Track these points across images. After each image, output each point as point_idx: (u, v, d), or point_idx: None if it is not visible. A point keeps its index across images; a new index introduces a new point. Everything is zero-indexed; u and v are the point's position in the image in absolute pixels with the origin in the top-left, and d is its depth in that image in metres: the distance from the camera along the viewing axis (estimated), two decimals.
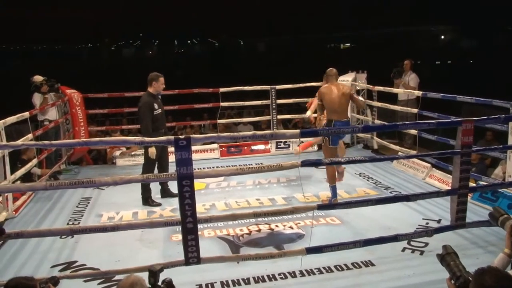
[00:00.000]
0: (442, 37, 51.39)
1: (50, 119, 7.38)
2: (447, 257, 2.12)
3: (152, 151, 5.68)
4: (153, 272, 2.37)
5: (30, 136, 6.05)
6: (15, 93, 9.37)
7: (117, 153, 8.30)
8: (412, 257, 4.28)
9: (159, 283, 2.38)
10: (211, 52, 65.88)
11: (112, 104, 11.41)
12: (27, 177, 6.44)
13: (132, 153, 8.26)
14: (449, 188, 5.77)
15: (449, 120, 4.26)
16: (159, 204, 5.90)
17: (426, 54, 33.73)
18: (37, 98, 7.33)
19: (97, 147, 8.37)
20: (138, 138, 3.44)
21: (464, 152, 3.96)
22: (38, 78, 7.43)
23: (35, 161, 6.26)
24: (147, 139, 3.50)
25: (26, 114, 6.08)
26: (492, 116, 4.34)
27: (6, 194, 5.34)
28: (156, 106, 5.84)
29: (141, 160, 8.12)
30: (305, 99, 8.02)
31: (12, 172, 5.60)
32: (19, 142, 3.61)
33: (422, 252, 4.35)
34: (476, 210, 5.11)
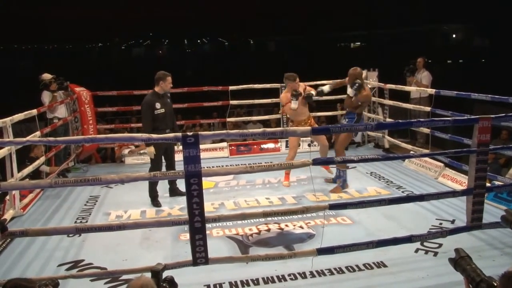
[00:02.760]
0: (454, 36, 50.90)
1: (59, 117, 7.36)
2: (462, 261, 1.99)
3: (150, 150, 5.54)
4: (156, 272, 2.30)
5: (38, 133, 6.01)
6: (27, 92, 9.37)
7: (126, 151, 8.26)
8: (426, 259, 4.17)
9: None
10: (221, 51, 65.94)
11: (122, 102, 11.41)
12: (36, 175, 6.42)
13: (141, 151, 8.21)
14: (463, 188, 5.68)
15: (466, 118, 4.15)
16: (160, 206, 5.81)
17: (437, 53, 33.39)
18: (46, 96, 7.31)
19: (105, 145, 8.33)
20: (145, 135, 3.37)
21: (480, 150, 3.84)
22: (46, 76, 7.41)
23: (43, 159, 6.23)
24: (154, 136, 3.43)
25: (34, 112, 6.04)
26: (511, 113, 4.20)
27: (13, 192, 5.30)
28: (158, 105, 5.67)
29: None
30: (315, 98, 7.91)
31: (21, 170, 5.58)
32: (24, 139, 3.54)
33: (435, 253, 4.24)
34: (491, 211, 4.96)
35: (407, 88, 8.06)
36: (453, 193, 4.24)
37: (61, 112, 7.48)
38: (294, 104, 6.16)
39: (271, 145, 8.54)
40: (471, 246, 4.21)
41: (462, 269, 1.97)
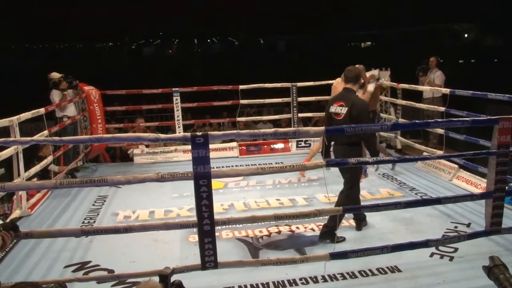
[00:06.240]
0: (466, 35, 50.39)
1: (69, 116, 7.32)
2: (495, 269, 1.88)
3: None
4: (164, 277, 2.22)
5: (45, 132, 5.95)
6: (37, 91, 9.36)
7: (136, 150, 8.18)
8: (441, 263, 4.04)
9: None
10: (230, 51, 65.93)
11: (131, 101, 11.38)
12: (45, 174, 6.37)
13: (150, 151, 8.14)
14: (478, 190, 5.53)
15: (485, 118, 4.00)
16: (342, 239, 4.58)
17: (449, 52, 33.06)
18: (56, 95, 7.27)
19: (114, 144, 8.27)
20: (152, 135, 3.26)
21: (501, 152, 3.70)
22: (55, 75, 7.37)
23: (50, 158, 6.17)
24: (162, 136, 3.32)
25: (42, 110, 5.98)
26: None
27: (19, 192, 5.24)
28: None
29: (159, 157, 8.03)
30: (327, 97, 7.78)
31: (29, 169, 5.53)
32: (28, 138, 3.46)
33: (451, 258, 4.10)
34: (509, 214, 4.81)
35: (420, 87, 7.91)
36: (471, 197, 4.11)
37: (71, 110, 7.44)
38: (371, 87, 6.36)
39: (281, 145, 8.43)
40: (488, 251, 4.07)
41: (495, 278, 1.87)
